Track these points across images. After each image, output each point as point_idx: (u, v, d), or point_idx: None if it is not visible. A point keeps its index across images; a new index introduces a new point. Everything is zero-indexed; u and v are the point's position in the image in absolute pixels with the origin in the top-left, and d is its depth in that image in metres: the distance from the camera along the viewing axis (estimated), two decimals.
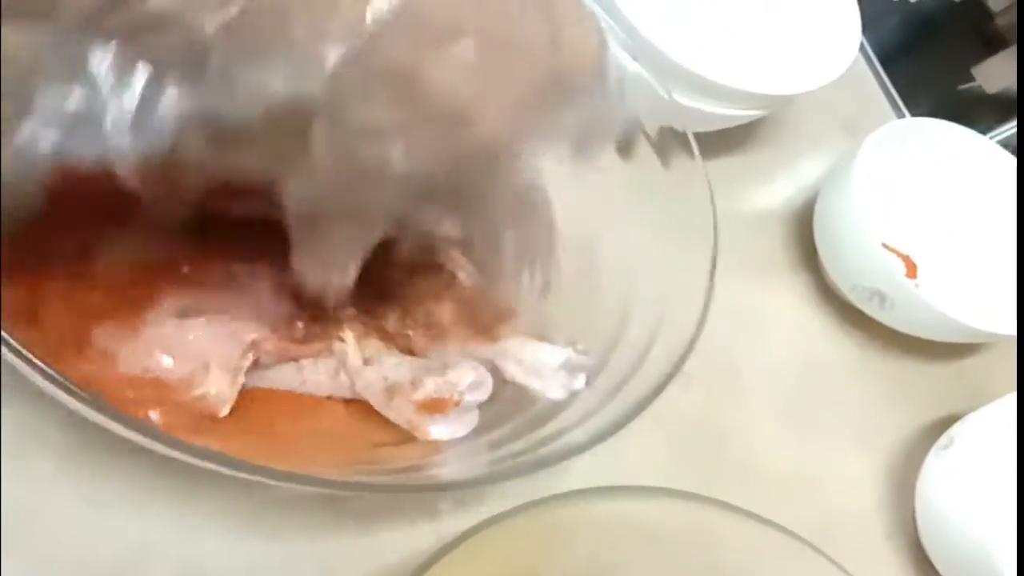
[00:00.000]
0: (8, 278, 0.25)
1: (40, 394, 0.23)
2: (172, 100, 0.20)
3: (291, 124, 0.21)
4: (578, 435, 0.30)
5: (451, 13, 0.20)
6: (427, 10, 0.20)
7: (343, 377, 0.31)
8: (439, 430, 0.31)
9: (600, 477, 0.39)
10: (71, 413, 0.24)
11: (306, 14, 0.19)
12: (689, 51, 0.42)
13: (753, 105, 0.47)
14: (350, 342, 0.31)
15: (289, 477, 0.25)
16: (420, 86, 0.21)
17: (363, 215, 0.24)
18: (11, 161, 0.21)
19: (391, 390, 0.31)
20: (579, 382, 0.33)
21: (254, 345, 0.29)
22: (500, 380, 0.33)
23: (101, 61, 0.19)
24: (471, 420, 0.32)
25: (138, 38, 0.19)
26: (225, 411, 0.29)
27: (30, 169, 0.21)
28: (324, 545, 0.32)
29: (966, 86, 0.62)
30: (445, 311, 0.32)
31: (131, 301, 0.28)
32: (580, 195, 0.36)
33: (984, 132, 0.56)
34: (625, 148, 0.37)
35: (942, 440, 0.44)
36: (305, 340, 0.31)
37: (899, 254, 0.53)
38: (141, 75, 0.20)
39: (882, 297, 0.46)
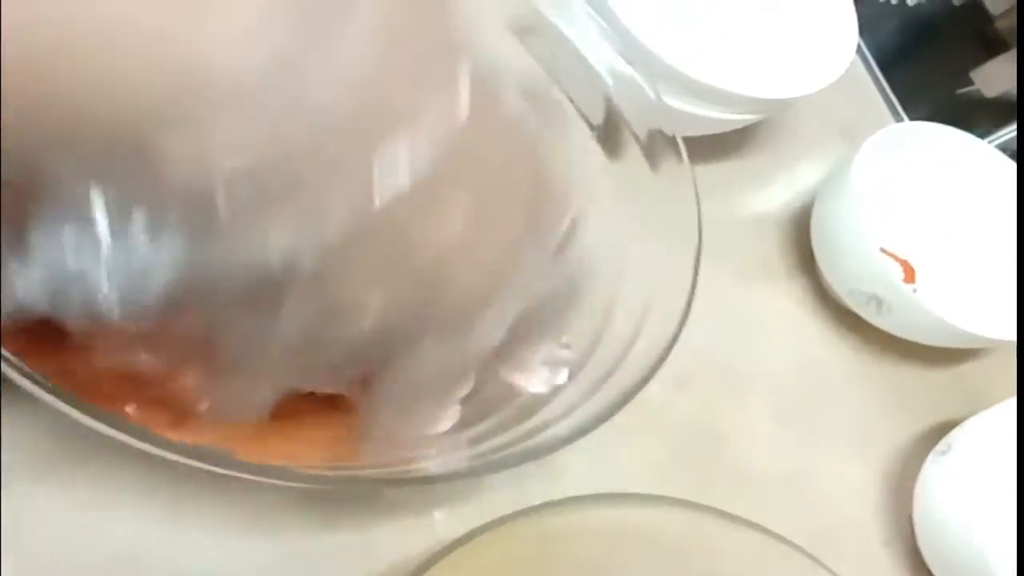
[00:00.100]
0: None
1: (29, 396, 0.23)
2: (168, 251, 0.19)
3: (268, 282, 0.20)
4: (561, 429, 0.30)
5: (451, 186, 0.20)
6: (430, 186, 0.19)
7: None
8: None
9: (596, 481, 0.38)
10: (58, 414, 0.23)
11: (316, 178, 0.18)
12: (685, 55, 0.42)
13: (750, 109, 0.46)
14: None
15: (265, 471, 0.24)
16: (411, 258, 0.20)
17: (306, 364, 0.23)
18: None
19: None
20: (562, 377, 0.33)
21: None
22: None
23: (102, 204, 0.18)
24: (453, 415, 0.31)
25: (145, 186, 0.18)
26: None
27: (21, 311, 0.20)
28: (318, 547, 0.32)
29: (965, 90, 0.62)
30: None
31: None
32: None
33: (983, 136, 0.56)
34: (614, 149, 0.37)
35: (940, 446, 0.44)
36: None
37: (897, 259, 0.52)
38: (140, 222, 0.18)
39: (879, 302, 0.46)
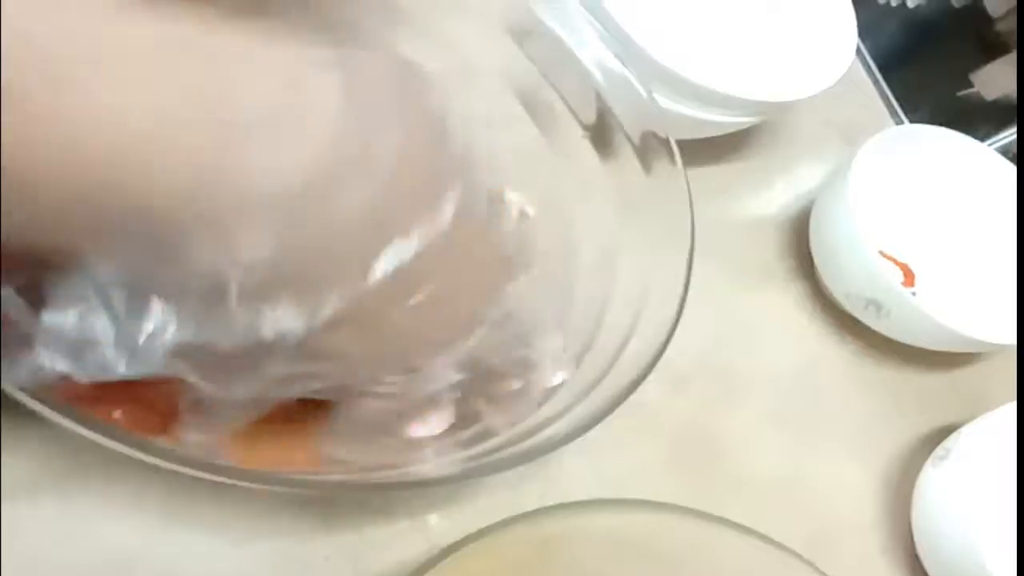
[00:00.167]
0: None
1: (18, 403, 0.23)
2: (176, 332, 0.21)
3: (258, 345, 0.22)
4: (554, 431, 0.30)
5: (424, 274, 0.23)
6: (408, 273, 0.22)
7: None
8: (416, 429, 0.31)
9: (594, 484, 0.38)
10: (49, 420, 0.23)
11: (320, 271, 0.21)
12: (684, 59, 0.42)
13: (750, 112, 0.46)
14: None
15: (252, 476, 0.24)
16: (385, 326, 0.23)
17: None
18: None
19: None
20: (556, 378, 0.33)
21: None
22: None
23: (117, 290, 0.20)
24: (447, 417, 0.31)
25: (168, 270, 0.20)
26: None
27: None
28: (311, 550, 0.32)
29: (965, 92, 0.61)
30: None
31: None
32: (559, 195, 0.36)
33: (983, 139, 0.56)
34: (606, 151, 0.37)
35: (938, 451, 0.43)
36: None
37: (896, 262, 0.52)
38: (155, 308, 0.21)
39: (878, 306, 0.46)
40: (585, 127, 0.37)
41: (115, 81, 0.17)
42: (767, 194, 0.54)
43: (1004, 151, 0.56)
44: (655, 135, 0.37)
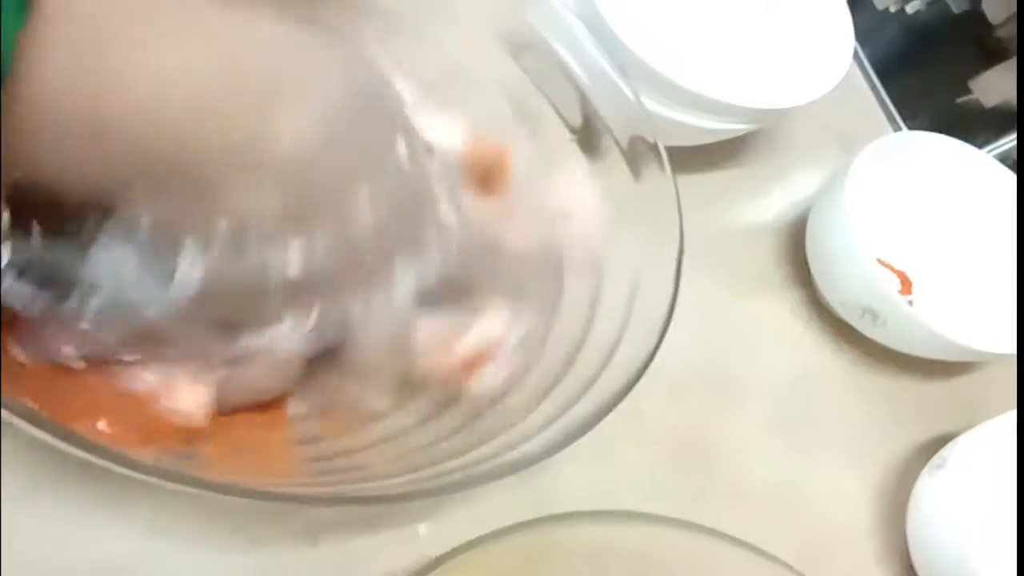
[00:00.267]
0: None
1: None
2: (204, 273, 0.23)
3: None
4: (541, 441, 0.30)
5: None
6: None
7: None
8: (486, 377, 0.32)
9: (589, 492, 0.38)
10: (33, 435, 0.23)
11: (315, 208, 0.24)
12: (680, 66, 0.42)
13: (746, 119, 0.46)
14: None
15: (229, 489, 0.24)
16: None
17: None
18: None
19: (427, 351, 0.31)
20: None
21: None
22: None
23: (155, 231, 0.23)
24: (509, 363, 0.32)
25: (195, 219, 0.23)
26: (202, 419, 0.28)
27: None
28: (298, 559, 0.32)
29: (964, 99, 0.61)
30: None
31: None
32: (548, 199, 0.36)
33: (981, 146, 0.56)
34: (594, 155, 0.37)
35: (935, 460, 0.43)
36: None
37: (894, 270, 0.52)
38: (187, 248, 0.23)
39: (874, 314, 0.45)
40: (573, 130, 0.37)
41: (162, 45, 0.21)
42: (763, 201, 0.54)
43: (1003, 158, 0.56)
44: (644, 140, 0.36)
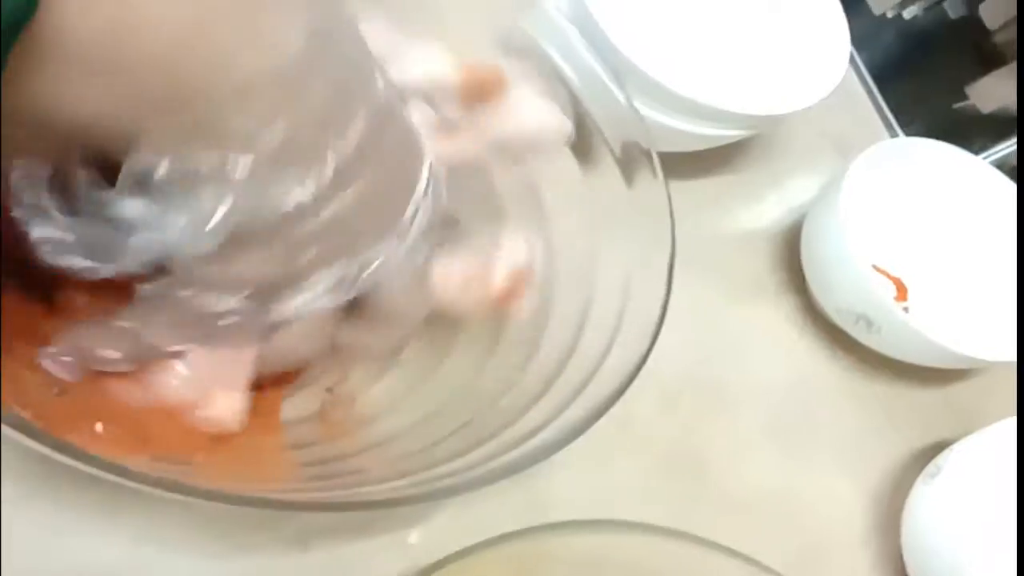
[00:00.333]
0: None
1: None
2: (226, 212, 0.24)
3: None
4: (537, 442, 0.30)
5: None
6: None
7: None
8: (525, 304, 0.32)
9: (583, 499, 0.38)
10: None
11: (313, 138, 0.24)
12: (675, 73, 0.42)
13: (742, 125, 0.46)
14: None
15: (219, 496, 0.24)
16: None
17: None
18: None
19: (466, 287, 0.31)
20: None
21: None
22: None
23: (170, 173, 0.23)
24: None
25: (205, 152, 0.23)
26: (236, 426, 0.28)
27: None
28: (288, 566, 0.32)
29: (960, 104, 0.61)
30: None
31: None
32: (541, 204, 0.36)
33: (978, 152, 0.56)
34: (587, 161, 0.37)
35: (930, 468, 0.43)
36: None
37: (889, 276, 0.52)
38: (210, 190, 0.23)
39: (868, 321, 0.45)
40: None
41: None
42: (759, 207, 0.53)
43: (999, 164, 0.56)
44: (637, 145, 0.36)
